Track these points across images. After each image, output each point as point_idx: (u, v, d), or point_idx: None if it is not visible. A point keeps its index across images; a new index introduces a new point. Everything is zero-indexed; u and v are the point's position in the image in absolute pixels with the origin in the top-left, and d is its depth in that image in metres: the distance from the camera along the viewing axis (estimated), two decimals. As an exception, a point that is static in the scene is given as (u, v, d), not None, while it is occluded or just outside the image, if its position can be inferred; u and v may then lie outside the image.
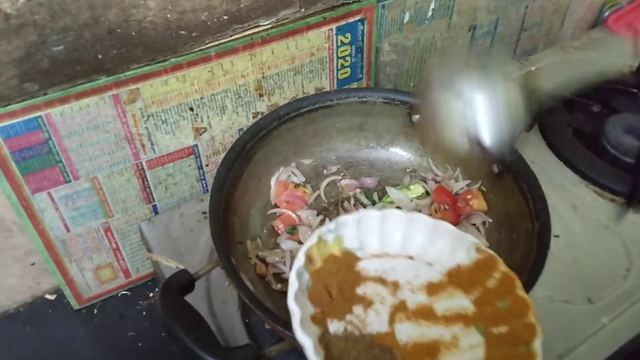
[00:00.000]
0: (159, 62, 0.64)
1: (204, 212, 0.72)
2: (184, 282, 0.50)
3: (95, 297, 0.78)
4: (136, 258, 0.77)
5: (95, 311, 0.78)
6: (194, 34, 0.67)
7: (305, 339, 0.42)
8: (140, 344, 0.75)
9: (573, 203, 0.77)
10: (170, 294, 0.48)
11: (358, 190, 0.71)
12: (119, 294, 0.79)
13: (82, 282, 0.75)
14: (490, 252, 0.52)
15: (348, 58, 0.78)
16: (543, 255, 0.52)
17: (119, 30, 0.67)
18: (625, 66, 0.97)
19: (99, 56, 0.63)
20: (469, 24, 0.91)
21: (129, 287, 0.80)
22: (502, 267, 0.51)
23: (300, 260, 0.48)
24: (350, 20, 0.75)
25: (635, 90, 0.91)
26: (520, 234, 0.59)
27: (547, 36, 1.06)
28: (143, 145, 0.68)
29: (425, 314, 0.48)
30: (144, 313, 0.78)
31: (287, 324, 0.49)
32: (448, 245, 0.52)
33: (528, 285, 0.50)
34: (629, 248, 0.72)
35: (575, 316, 0.65)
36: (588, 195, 0.78)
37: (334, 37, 0.75)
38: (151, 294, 0.80)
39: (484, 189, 0.66)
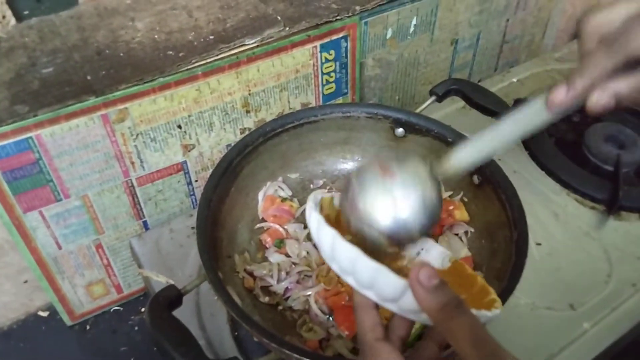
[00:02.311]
0: (147, 82, 0.66)
1: (194, 227, 0.73)
2: (172, 297, 0.52)
3: (87, 313, 0.79)
4: (128, 273, 0.78)
5: (88, 327, 0.79)
6: (181, 54, 0.69)
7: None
8: (132, 359, 0.76)
9: (555, 211, 0.79)
10: (158, 309, 0.49)
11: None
12: (111, 310, 0.80)
13: (75, 298, 0.76)
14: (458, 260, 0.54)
15: (333, 74, 0.80)
16: (521, 262, 0.54)
17: (107, 51, 0.69)
18: (605, 76, 0.99)
19: (88, 77, 0.65)
20: (451, 38, 0.93)
21: (121, 302, 0.81)
22: (469, 270, 0.53)
23: (315, 199, 0.50)
24: (334, 37, 0.77)
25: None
26: (500, 242, 0.61)
27: (529, 48, 1.09)
28: (132, 163, 0.70)
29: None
30: (136, 328, 0.79)
31: (273, 336, 0.51)
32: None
33: (507, 292, 0.52)
34: (609, 254, 0.74)
35: (558, 322, 0.67)
36: (569, 203, 0.80)
37: (319, 54, 0.76)
38: (143, 309, 0.81)
39: (466, 200, 0.68)
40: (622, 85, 0.40)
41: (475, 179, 0.66)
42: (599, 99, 0.41)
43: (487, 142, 0.47)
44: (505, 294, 0.52)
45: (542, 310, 0.68)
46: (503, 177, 0.60)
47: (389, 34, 0.84)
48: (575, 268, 0.72)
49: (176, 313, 0.52)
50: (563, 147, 0.87)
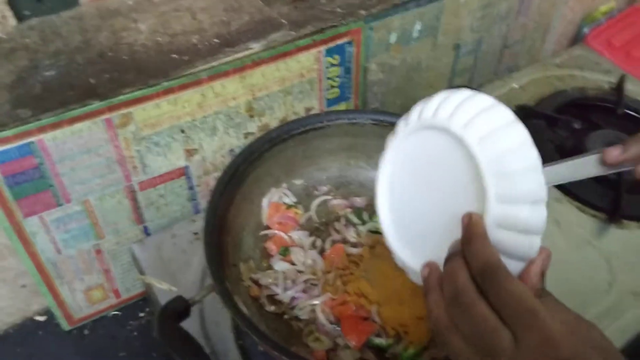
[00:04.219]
0: (151, 87, 0.64)
1: (196, 233, 0.73)
2: (179, 308, 0.51)
3: (85, 318, 0.78)
4: (127, 278, 0.77)
5: (86, 332, 0.78)
6: (185, 58, 0.68)
7: None
8: (131, 365, 0.75)
9: (557, 219, 0.79)
10: (167, 321, 0.49)
11: (349, 210, 0.72)
12: (110, 314, 0.79)
13: (73, 303, 0.75)
14: None
15: (337, 79, 0.79)
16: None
17: (110, 53, 0.68)
18: (605, 82, 1.00)
19: (91, 80, 0.64)
20: (453, 43, 0.93)
21: (120, 307, 0.80)
22: None
23: None
24: (339, 42, 0.76)
25: (615, 107, 0.94)
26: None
27: (529, 53, 1.09)
28: (135, 168, 0.68)
29: None
30: (135, 333, 0.78)
31: (281, 347, 0.50)
32: None
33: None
34: (611, 263, 0.74)
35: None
36: (571, 211, 0.80)
37: (323, 58, 0.76)
38: (142, 314, 0.80)
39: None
40: None
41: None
42: None
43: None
44: None
45: (545, 320, 0.68)
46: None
47: (393, 38, 0.83)
48: (576, 277, 0.73)
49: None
50: (564, 154, 0.87)
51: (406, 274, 0.49)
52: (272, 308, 0.61)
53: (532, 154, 0.41)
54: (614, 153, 0.47)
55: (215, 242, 0.59)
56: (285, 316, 0.62)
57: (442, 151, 0.44)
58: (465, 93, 0.44)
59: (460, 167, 0.43)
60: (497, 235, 0.40)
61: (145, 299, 0.80)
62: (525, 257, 0.41)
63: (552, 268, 0.73)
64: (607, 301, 0.70)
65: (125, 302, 0.80)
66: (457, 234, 0.42)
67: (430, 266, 0.43)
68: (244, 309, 0.56)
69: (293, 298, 0.62)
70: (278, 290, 0.62)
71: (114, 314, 0.80)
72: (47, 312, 0.79)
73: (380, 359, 0.59)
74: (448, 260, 0.41)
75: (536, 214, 0.41)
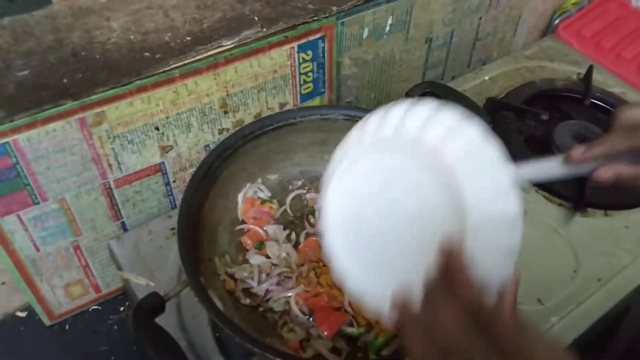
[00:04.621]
0: (124, 85, 0.65)
1: (172, 229, 0.74)
2: (155, 304, 0.53)
3: (66, 313, 0.79)
4: (106, 273, 0.78)
5: (67, 327, 0.79)
6: (157, 56, 0.69)
7: None
8: (112, 358, 0.76)
9: (524, 209, 0.81)
10: (142, 317, 0.50)
11: (322, 203, 0.74)
12: (90, 309, 0.81)
13: (53, 299, 0.76)
14: None
15: (310, 74, 0.81)
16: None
17: (83, 53, 0.68)
18: (574, 73, 1.02)
19: (64, 80, 0.64)
20: (426, 37, 0.95)
21: (100, 301, 0.81)
22: None
23: None
24: (311, 38, 0.77)
25: (582, 97, 0.97)
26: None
27: (501, 44, 1.11)
28: (110, 165, 0.69)
29: None
30: (116, 327, 0.79)
31: (255, 340, 0.52)
32: None
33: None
34: (576, 250, 0.77)
35: (527, 317, 0.70)
36: (538, 200, 0.83)
37: (296, 54, 0.77)
38: (122, 308, 0.81)
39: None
40: (625, 170, 0.47)
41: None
42: (604, 173, 0.48)
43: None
44: None
45: (512, 306, 0.71)
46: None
47: (365, 33, 0.85)
48: (543, 264, 0.75)
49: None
50: (532, 145, 0.89)
51: (358, 301, 0.47)
52: (247, 301, 0.63)
53: (509, 170, 0.42)
54: (579, 151, 0.48)
55: (190, 238, 0.61)
56: (260, 308, 0.64)
57: (406, 170, 0.43)
58: (427, 107, 0.43)
59: (430, 187, 0.42)
60: (475, 257, 0.39)
61: (125, 293, 0.82)
62: (500, 279, 0.40)
63: (520, 256, 0.76)
64: (572, 287, 0.73)
65: (105, 296, 0.81)
66: (425, 255, 0.40)
67: (402, 300, 0.42)
68: (219, 303, 0.57)
69: (267, 291, 0.64)
70: (253, 283, 0.64)
71: (94, 309, 0.81)
72: (28, 308, 0.80)
73: (352, 347, 0.61)
74: (429, 294, 0.41)
75: (515, 234, 0.41)
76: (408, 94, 0.71)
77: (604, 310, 0.71)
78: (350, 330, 0.61)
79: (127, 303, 0.81)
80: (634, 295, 0.74)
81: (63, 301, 0.77)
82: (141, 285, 0.67)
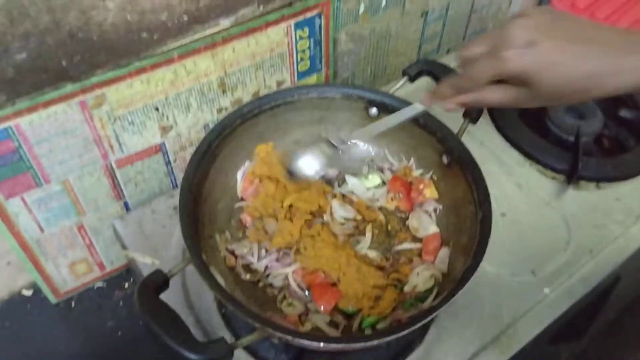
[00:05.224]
0: (123, 67, 0.66)
1: (175, 208, 0.75)
2: (158, 281, 0.54)
3: (72, 291, 0.81)
4: (110, 251, 0.80)
5: (73, 304, 0.81)
6: (155, 36, 0.69)
7: None
8: (119, 333, 0.78)
9: (518, 182, 0.83)
10: (146, 294, 0.52)
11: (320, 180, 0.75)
12: (95, 286, 0.82)
13: (58, 277, 0.78)
14: None
15: (307, 51, 0.81)
16: (485, 241, 0.58)
17: (80, 34, 0.68)
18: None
19: (63, 63, 0.65)
20: (422, 10, 0.95)
21: (105, 279, 0.83)
22: None
23: None
24: (308, 15, 0.77)
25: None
26: (466, 219, 0.64)
27: (496, 16, 1.11)
28: (111, 147, 0.70)
29: None
30: (121, 303, 0.81)
31: (257, 316, 0.54)
32: None
33: (471, 270, 0.56)
34: (569, 223, 0.79)
35: (521, 288, 0.72)
36: (532, 174, 0.85)
37: (293, 32, 0.77)
38: (126, 285, 0.83)
39: (435, 178, 0.72)
40: (465, 99, 0.53)
41: (445, 158, 0.69)
42: (448, 106, 0.55)
43: (377, 126, 0.63)
44: (469, 272, 0.56)
45: (507, 277, 0.73)
46: (470, 159, 0.63)
47: (362, 8, 0.85)
48: (536, 236, 0.77)
49: (164, 293, 0.55)
50: (527, 119, 0.90)
51: None
52: (247, 276, 0.65)
53: None
54: (427, 96, 0.57)
55: (191, 217, 0.62)
56: (260, 284, 0.65)
57: None
58: None
59: None
60: None
61: (129, 269, 0.84)
62: None
63: (513, 228, 0.78)
64: (565, 258, 0.75)
65: (110, 273, 0.83)
66: None
67: None
68: (220, 279, 0.59)
69: (267, 267, 0.66)
70: (253, 259, 0.66)
71: (100, 286, 0.83)
72: (33, 286, 0.81)
73: (349, 321, 0.63)
74: None
75: None
76: (405, 72, 0.72)
77: (595, 281, 0.73)
78: (345, 307, 0.63)
79: (132, 279, 0.83)
80: (624, 266, 0.76)
81: (68, 279, 0.79)
82: (147, 263, 0.69)
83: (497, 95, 0.50)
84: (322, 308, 0.62)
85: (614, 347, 0.96)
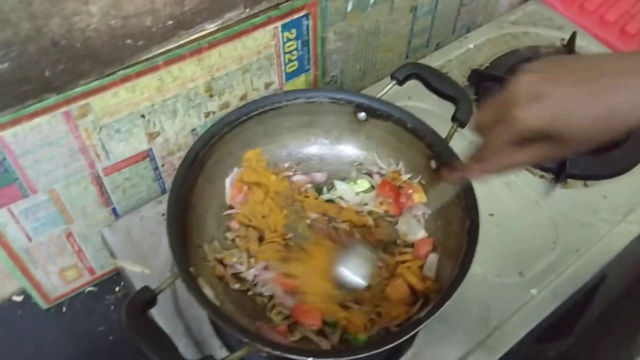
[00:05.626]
0: (107, 76, 0.65)
1: (164, 214, 0.74)
2: (147, 298, 0.54)
3: (62, 296, 0.81)
4: (100, 256, 0.80)
5: (64, 309, 0.81)
6: (140, 43, 0.68)
7: None
8: (111, 338, 0.79)
9: (507, 181, 0.84)
10: (134, 312, 0.52)
11: (309, 186, 0.75)
12: (86, 291, 0.82)
13: (48, 284, 0.78)
14: None
15: (295, 52, 0.80)
16: (472, 250, 0.58)
17: (63, 42, 0.67)
18: (558, 39, 1.02)
19: (46, 73, 0.63)
20: (411, 5, 0.94)
21: (95, 283, 0.83)
22: None
23: None
24: (295, 16, 0.76)
25: (566, 65, 0.97)
26: (455, 225, 0.65)
27: (486, 9, 1.10)
28: (98, 155, 0.70)
29: None
30: (112, 307, 0.81)
31: (245, 330, 0.54)
32: None
33: (458, 281, 0.57)
34: (556, 222, 0.79)
35: (508, 289, 0.73)
36: (520, 173, 0.85)
37: (280, 34, 0.76)
38: (117, 288, 0.83)
39: (424, 182, 0.72)
40: (493, 167, 0.51)
41: (433, 163, 0.69)
42: (479, 179, 0.56)
43: None
44: (456, 283, 0.57)
45: (494, 279, 0.74)
46: (459, 165, 0.63)
47: (350, 7, 0.84)
48: (524, 236, 0.78)
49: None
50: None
51: None
52: (236, 286, 0.65)
53: None
54: (454, 176, 0.58)
55: (180, 228, 0.61)
56: (250, 292, 0.65)
57: None
58: None
59: None
60: None
61: (119, 273, 0.83)
62: None
63: (501, 228, 0.79)
64: (552, 258, 0.76)
65: (100, 278, 0.83)
66: None
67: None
68: (209, 291, 0.59)
69: (256, 275, 0.66)
70: (242, 268, 0.66)
71: (90, 290, 0.83)
72: (24, 292, 0.81)
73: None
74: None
75: None
76: (393, 76, 0.71)
77: (582, 281, 0.74)
78: (329, 319, 0.63)
79: (122, 283, 0.83)
80: (610, 264, 0.77)
81: (58, 285, 0.79)
82: (136, 272, 0.69)
83: (524, 156, 0.47)
84: (314, 327, 0.62)
85: (599, 344, 0.98)
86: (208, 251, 0.67)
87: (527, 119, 0.44)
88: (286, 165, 0.76)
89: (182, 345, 0.65)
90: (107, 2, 0.71)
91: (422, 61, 0.98)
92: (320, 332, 0.62)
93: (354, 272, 0.64)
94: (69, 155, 0.67)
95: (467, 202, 0.62)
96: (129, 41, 0.68)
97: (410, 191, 0.70)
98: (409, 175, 0.72)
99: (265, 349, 0.52)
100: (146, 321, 0.52)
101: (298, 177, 0.75)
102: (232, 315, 0.60)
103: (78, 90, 0.63)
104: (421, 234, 0.69)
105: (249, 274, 0.66)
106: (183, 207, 0.64)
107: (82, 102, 0.64)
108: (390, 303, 0.63)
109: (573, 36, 0.99)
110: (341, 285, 0.64)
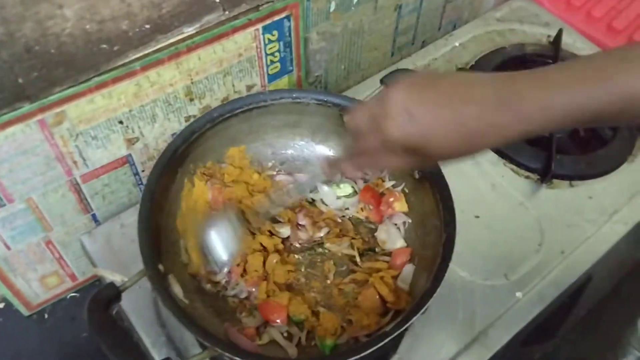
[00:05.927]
0: (82, 83, 0.63)
1: (144, 221, 0.74)
2: (110, 295, 0.54)
3: (44, 303, 0.80)
4: (81, 263, 0.79)
5: (46, 315, 0.80)
6: (116, 48, 0.66)
7: None
8: (94, 344, 0.78)
9: (492, 182, 0.83)
10: (96, 310, 0.52)
11: (292, 186, 0.74)
12: (68, 297, 0.81)
13: (29, 291, 0.77)
14: None
15: (277, 54, 0.79)
16: (445, 265, 0.57)
17: (37, 47, 0.65)
18: (544, 36, 1.02)
19: (20, 80, 0.62)
20: (395, 4, 0.92)
21: (77, 289, 0.82)
22: None
23: None
24: (276, 18, 0.75)
25: (552, 62, 0.96)
26: (432, 236, 0.64)
27: (472, 5, 1.09)
28: (75, 162, 0.68)
29: None
30: (95, 314, 0.80)
31: (206, 333, 0.53)
32: None
33: (429, 293, 0.56)
34: (542, 223, 0.79)
35: (494, 293, 0.73)
36: (506, 173, 0.84)
37: (261, 36, 0.75)
38: (100, 295, 0.82)
39: (407, 191, 0.71)
40: (362, 166, 0.54)
41: (416, 173, 0.68)
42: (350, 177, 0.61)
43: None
44: (426, 296, 0.56)
45: (479, 282, 0.73)
46: (441, 178, 0.62)
47: (332, 7, 0.82)
48: (509, 238, 0.78)
49: (130, 299, 0.56)
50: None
51: None
52: (208, 286, 0.64)
53: None
54: (327, 168, 0.58)
55: (153, 223, 0.61)
56: (222, 293, 0.65)
57: None
58: None
59: None
60: None
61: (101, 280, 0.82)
62: None
63: (487, 231, 0.78)
64: (537, 261, 0.75)
65: (82, 284, 0.82)
66: None
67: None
68: (179, 289, 0.59)
69: (228, 275, 0.65)
70: (216, 268, 0.65)
71: (72, 296, 0.82)
72: (5, 299, 0.80)
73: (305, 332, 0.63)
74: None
75: None
76: (382, 81, 0.70)
77: (567, 283, 0.74)
78: (295, 317, 0.63)
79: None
80: (595, 265, 0.77)
81: (40, 292, 0.78)
82: (116, 281, 0.67)
83: (393, 161, 0.49)
84: (278, 321, 0.62)
85: (585, 345, 0.98)
86: (182, 247, 0.65)
87: (394, 134, 0.46)
88: (270, 164, 0.75)
89: (160, 341, 0.64)
90: (82, 6, 0.70)
91: (408, 60, 0.98)
92: (289, 336, 0.62)
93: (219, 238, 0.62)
94: (45, 163, 0.66)
95: (445, 215, 0.61)
96: (104, 46, 0.66)
97: (391, 199, 0.69)
98: (392, 182, 0.72)
99: (226, 354, 0.51)
100: (108, 320, 0.52)
101: (281, 177, 0.74)
102: (199, 316, 0.59)
103: (53, 97, 0.62)
104: (400, 243, 0.68)
105: (222, 275, 0.65)
106: (159, 202, 0.63)
107: (57, 109, 0.63)
108: (361, 312, 0.63)
109: (559, 34, 0.98)
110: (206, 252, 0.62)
